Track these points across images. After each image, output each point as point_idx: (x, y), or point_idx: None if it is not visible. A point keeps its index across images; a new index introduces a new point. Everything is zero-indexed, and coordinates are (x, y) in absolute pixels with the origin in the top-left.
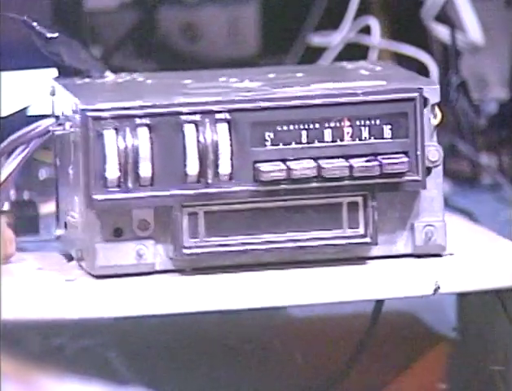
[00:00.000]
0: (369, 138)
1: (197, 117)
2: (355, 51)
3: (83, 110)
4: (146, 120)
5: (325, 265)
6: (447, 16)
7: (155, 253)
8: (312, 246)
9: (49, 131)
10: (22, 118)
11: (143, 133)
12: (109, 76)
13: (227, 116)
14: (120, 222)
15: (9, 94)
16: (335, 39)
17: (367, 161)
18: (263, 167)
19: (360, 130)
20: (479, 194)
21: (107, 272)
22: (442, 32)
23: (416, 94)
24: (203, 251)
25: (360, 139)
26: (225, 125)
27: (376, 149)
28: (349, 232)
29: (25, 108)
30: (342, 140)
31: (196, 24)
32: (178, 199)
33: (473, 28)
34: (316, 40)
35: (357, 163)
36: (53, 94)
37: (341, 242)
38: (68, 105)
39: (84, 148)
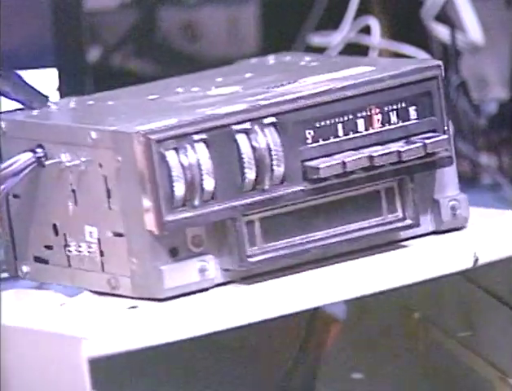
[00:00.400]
0: (398, 122)
1: (247, 125)
2: (355, 51)
3: (146, 133)
4: (202, 136)
5: (370, 253)
6: (447, 16)
7: (215, 268)
8: (361, 236)
9: (28, 166)
10: None
11: (202, 148)
12: (52, 105)
13: (274, 119)
14: (175, 242)
15: None
16: (335, 39)
17: (407, 144)
18: (318, 164)
19: (389, 115)
20: (479, 194)
21: (173, 293)
22: (442, 32)
23: (438, 72)
24: (265, 257)
25: (390, 124)
26: (273, 129)
27: (407, 131)
28: (390, 217)
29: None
30: (373, 127)
31: (196, 24)
32: (240, 209)
33: (473, 28)
34: (316, 40)
35: (402, 147)
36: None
37: (385, 228)
38: (63, 136)
39: (149, 172)
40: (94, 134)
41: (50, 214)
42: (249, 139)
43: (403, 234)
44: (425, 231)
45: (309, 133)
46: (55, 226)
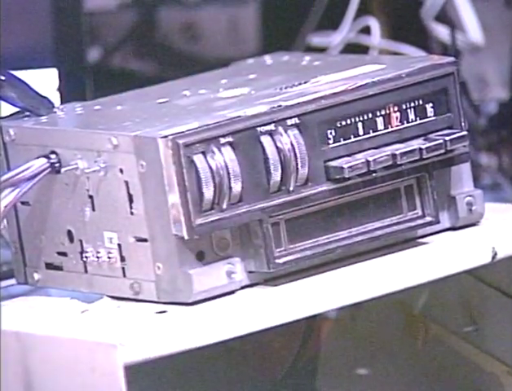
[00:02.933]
0: (415, 120)
1: (272, 127)
2: (355, 51)
3: (174, 138)
4: (228, 138)
5: (392, 251)
6: (447, 16)
7: (242, 270)
8: (382, 234)
9: (42, 171)
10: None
11: (228, 151)
12: (58, 111)
13: (297, 120)
14: (202, 245)
15: None
16: (335, 39)
17: (428, 141)
18: (342, 164)
19: (407, 113)
20: None
21: (202, 297)
22: (442, 32)
23: (453, 69)
24: (291, 258)
25: (408, 122)
26: (296, 130)
27: (425, 129)
28: (409, 215)
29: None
30: (391, 126)
31: (196, 24)
32: (267, 211)
33: (473, 28)
34: (316, 40)
35: (423, 144)
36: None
37: (405, 226)
38: (79, 142)
39: (178, 176)
40: (115, 140)
41: (64, 221)
42: (274, 141)
43: (422, 231)
44: (442, 228)
45: (330, 133)
46: (69, 232)
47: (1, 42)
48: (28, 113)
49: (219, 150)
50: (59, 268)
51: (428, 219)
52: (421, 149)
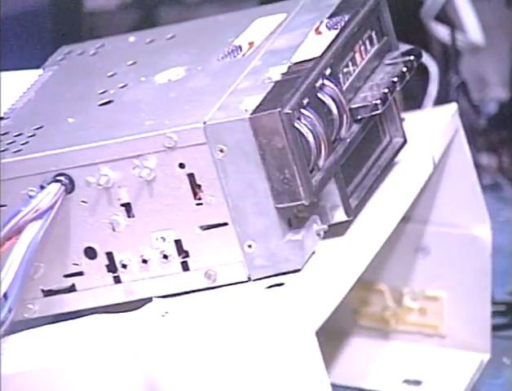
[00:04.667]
0: (371, 52)
1: (321, 81)
2: None
3: (279, 110)
4: (306, 100)
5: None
6: (447, 16)
7: (323, 228)
8: (380, 166)
9: (60, 196)
10: None
11: (311, 113)
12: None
13: (330, 70)
14: (288, 213)
15: (9, 94)
16: None
17: (396, 66)
18: (360, 103)
19: (366, 48)
20: None
21: (306, 261)
22: (442, 32)
23: None
24: (356, 203)
25: (366, 55)
26: (331, 80)
27: (381, 57)
28: (385, 143)
29: None
30: (362, 61)
31: None
32: (339, 164)
33: (473, 28)
34: None
35: (403, 69)
36: None
37: (390, 153)
38: (106, 154)
39: (289, 146)
40: (175, 136)
41: (80, 240)
42: (327, 94)
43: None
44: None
45: (341, 78)
46: (88, 250)
47: (1, 42)
48: None
49: (305, 114)
50: (68, 290)
51: (400, 140)
52: (403, 72)
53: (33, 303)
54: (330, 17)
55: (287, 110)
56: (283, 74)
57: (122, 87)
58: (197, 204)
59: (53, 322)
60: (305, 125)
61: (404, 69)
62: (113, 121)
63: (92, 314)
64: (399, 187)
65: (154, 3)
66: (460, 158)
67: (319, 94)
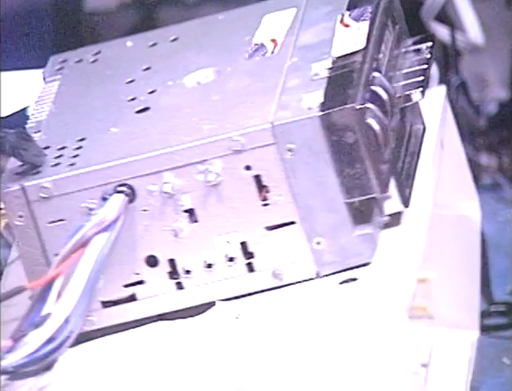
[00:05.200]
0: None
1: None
2: None
3: (354, 106)
4: (367, 95)
5: None
6: (447, 16)
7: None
8: None
9: (124, 207)
10: (22, 118)
11: (374, 108)
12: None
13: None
14: (355, 205)
15: (9, 94)
16: None
17: (419, 53)
18: (400, 90)
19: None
20: (479, 194)
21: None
22: (442, 32)
23: None
24: (409, 191)
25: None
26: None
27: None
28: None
29: (25, 108)
30: (386, 48)
31: None
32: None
33: (473, 28)
34: None
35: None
36: None
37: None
38: (171, 162)
39: (367, 141)
40: (242, 139)
41: (142, 249)
42: (378, 85)
43: None
44: None
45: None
46: (150, 258)
47: (1, 42)
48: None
49: (368, 107)
50: (128, 300)
51: (420, 126)
52: (427, 59)
53: (93, 315)
54: (349, 9)
55: (359, 105)
56: (330, 69)
57: (151, 93)
58: (263, 205)
59: (111, 333)
60: (372, 118)
61: (429, 56)
62: (166, 128)
63: (149, 322)
64: (424, 174)
65: (154, 3)
66: (448, 137)
67: (372, 87)
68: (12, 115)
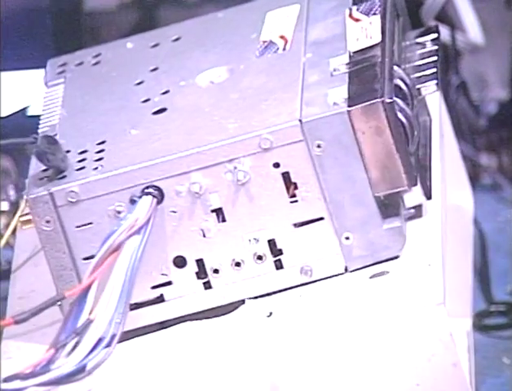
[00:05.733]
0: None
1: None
2: None
3: (384, 100)
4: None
5: None
6: (447, 16)
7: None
8: None
9: (153, 209)
10: (22, 118)
11: (400, 102)
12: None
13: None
14: (381, 199)
15: (9, 94)
16: None
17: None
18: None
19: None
20: (479, 194)
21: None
22: (442, 32)
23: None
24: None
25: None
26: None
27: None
28: None
29: (25, 108)
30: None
31: None
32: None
33: (473, 28)
34: None
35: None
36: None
37: None
38: (200, 162)
39: (396, 134)
40: (271, 137)
41: (171, 249)
42: (398, 78)
43: None
44: None
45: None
46: (178, 258)
47: (1, 42)
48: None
49: (400, 104)
50: (156, 301)
51: (427, 118)
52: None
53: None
54: (355, 3)
55: (388, 99)
56: (348, 64)
57: (164, 93)
58: (291, 202)
59: (140, 335)
60: (399, 111)
61: (436, 47)
62: (188, 129)
63: (176, 323)
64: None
65: (154, 3)
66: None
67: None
68: (12, 115)
